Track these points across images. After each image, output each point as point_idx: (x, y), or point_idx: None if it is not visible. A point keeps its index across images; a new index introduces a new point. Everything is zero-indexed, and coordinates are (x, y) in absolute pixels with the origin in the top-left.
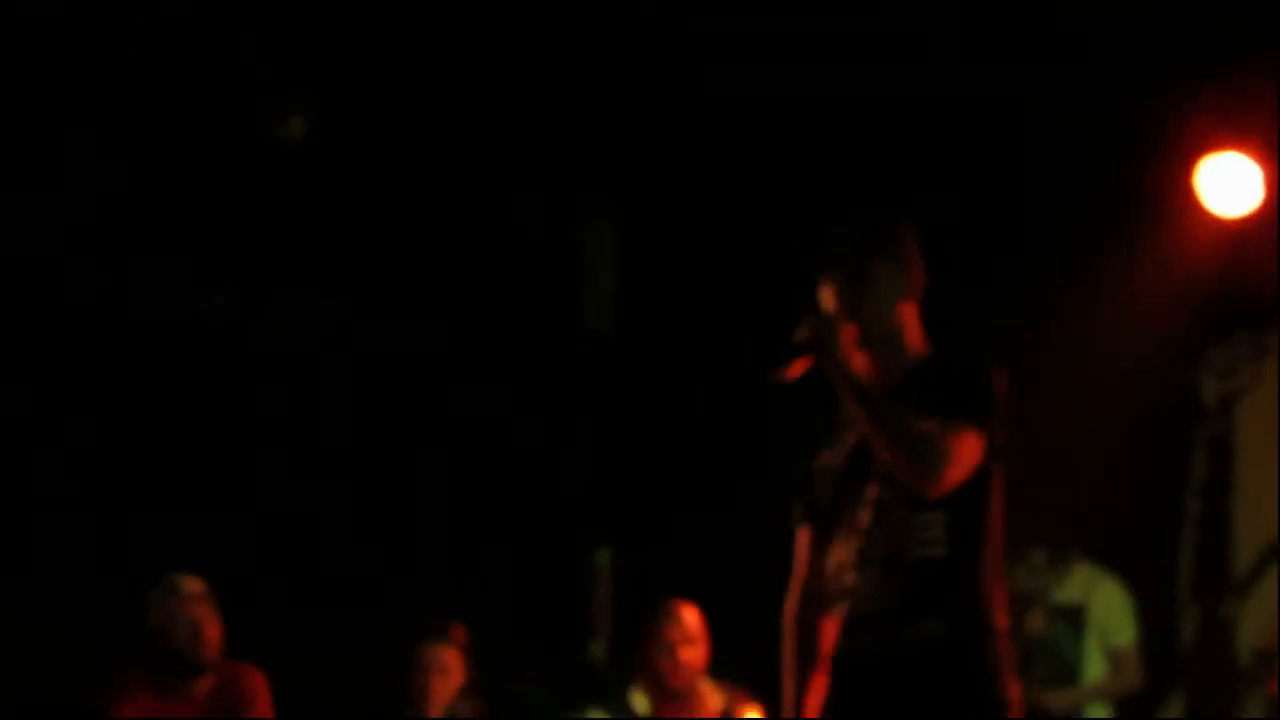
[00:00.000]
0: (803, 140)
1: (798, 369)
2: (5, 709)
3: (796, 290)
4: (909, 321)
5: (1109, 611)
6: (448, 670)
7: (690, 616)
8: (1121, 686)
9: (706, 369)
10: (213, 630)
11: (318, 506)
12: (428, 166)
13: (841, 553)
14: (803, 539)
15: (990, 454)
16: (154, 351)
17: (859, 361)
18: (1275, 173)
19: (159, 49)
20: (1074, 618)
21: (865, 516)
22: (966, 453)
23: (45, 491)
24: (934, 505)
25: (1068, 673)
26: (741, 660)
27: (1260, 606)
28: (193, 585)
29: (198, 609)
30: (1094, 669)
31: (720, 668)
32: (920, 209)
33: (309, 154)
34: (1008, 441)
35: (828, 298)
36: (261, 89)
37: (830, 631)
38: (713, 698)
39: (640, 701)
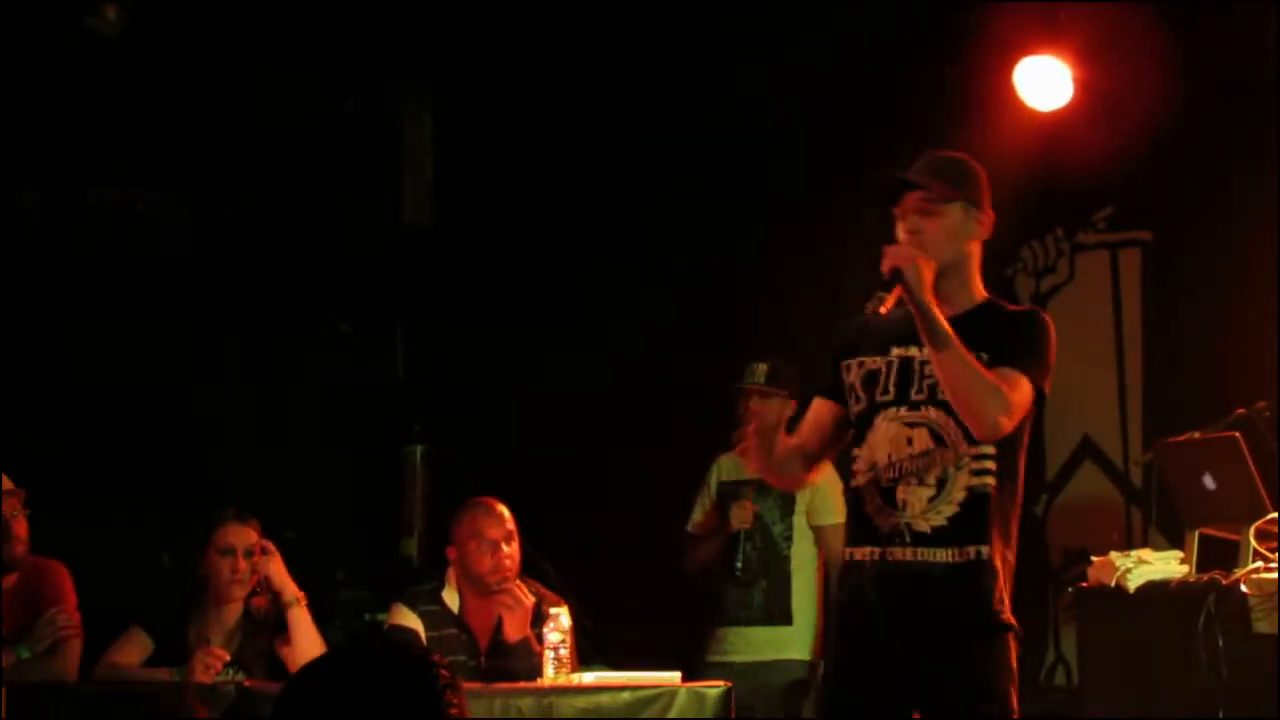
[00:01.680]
0: (619, 33)
1: (890, 301)
2: None
3: (612, 188)
4: (974, 261)
5: (817, 494)
6: (254, 551)
7: (507, 514)
8: (829, 559)
9: (524, 264)
10: (20, 527)
11: (132, 404)
12: (245, 60)
13: (880, 453)
14: (817, 408)
15: (1038, 404)
16: None
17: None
18: (1086, 72)
19: None
20: (784, 497)
21: (923, 435)
22: (1022, 403)
23: None
24: (989, 441)
25: (772, 550)
26: (552, 560)
27: (1071, 504)
28: (0, 481)
29: (5, 505)
30: (799, 548)
31: (529, 567)
32: (761, 103)
33: (125, 46)
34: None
35: (903, 233)
36: None
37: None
38: (526, 595)
39: (452, 598)
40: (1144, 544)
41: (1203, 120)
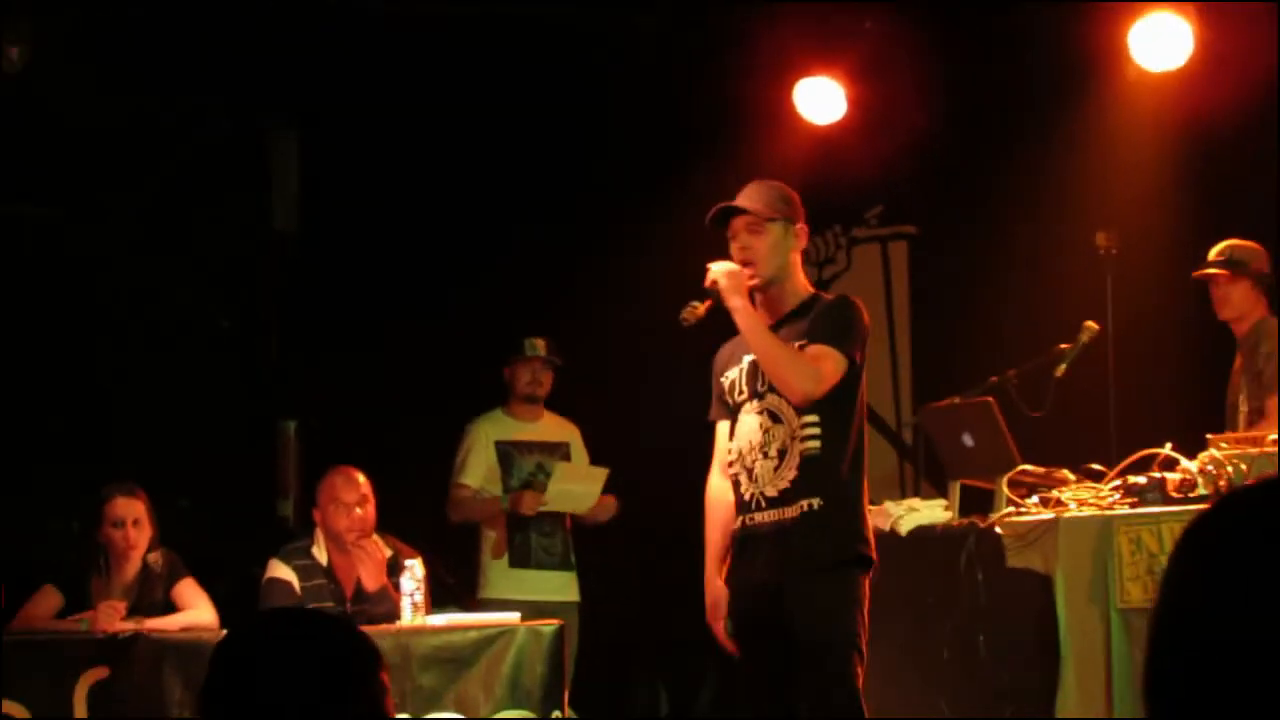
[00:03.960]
0: (469, 48)
1: (701, 310)
2: None
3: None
4: (796, 267)
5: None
6: (141, 522)
7: (362, 479)
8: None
9: (386, 264)
10: None
11: (41, 391)
12: (124, 78)
13: (742, 442)
14: (722, 430)
15: (852, 370)
16: None
17: (758, 299)
18: (856, 90)
19: None
20: (564, 457)
21: (765, 420)
22: (831, 370)
23: None
24: (811, 410)
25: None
26: (408, 516)
27: None
28: None
29: None
30: None
31: (386, 523)
32: (549, 117)
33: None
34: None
35: (735, 249)
36: None
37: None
38: (381, 549)
39: (321, 553)
40: (915, 494)
41: (959, 130)
